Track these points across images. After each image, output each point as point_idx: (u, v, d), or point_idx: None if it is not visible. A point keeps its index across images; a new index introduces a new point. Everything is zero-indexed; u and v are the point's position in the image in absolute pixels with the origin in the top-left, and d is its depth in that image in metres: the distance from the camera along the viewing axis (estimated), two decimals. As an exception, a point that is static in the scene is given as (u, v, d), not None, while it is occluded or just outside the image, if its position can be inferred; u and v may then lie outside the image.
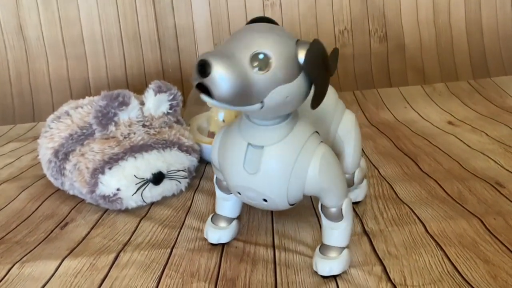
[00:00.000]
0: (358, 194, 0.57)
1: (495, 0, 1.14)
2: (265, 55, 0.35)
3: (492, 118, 0.89)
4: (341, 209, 0.43)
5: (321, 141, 0.43)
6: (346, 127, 0.50)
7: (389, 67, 1.13)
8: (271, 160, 0.40)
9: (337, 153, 0.50)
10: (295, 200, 0.43)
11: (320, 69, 0.37)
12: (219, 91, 0.34)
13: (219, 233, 0.50)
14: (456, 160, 0.70)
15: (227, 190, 0.49)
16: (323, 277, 0.44)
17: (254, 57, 0.35)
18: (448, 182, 0.62)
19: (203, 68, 0.33)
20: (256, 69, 0.35)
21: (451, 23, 1.14)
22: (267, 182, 0.41)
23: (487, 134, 0.80)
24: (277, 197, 0.42)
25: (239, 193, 0.44)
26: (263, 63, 0.35)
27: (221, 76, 0.34)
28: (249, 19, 0.41)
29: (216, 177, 0.50)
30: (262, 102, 0.36)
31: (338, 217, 0.43)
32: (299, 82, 0.37)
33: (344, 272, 0.44)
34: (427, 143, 0.79)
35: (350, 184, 0.53)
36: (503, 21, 1.15)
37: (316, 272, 0.44)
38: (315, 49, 0.37)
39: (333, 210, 0.43)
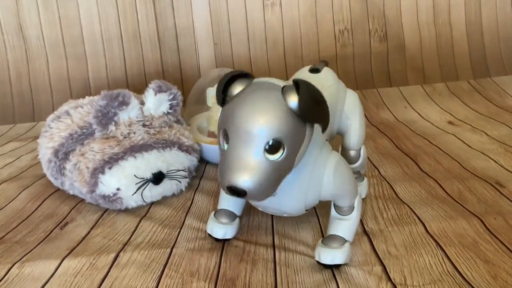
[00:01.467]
0: (360, 191, 0.57)
1: (495, 0, 1.14)
2: (275, 140, 0.35)
3: (492, 118, 0.89)
4: (353, 205, 0.46)
5: (332, 150, 0.45)
6: (351, 104, 0.52)
7: (389, 67, 1.13)
8: (288, 182, 0.40)
9: (344, 130, 0.53)
10: (311, 207, 0.46)
11: (315, 108, 0.36)
12: (261, 196, 0.37)
13: (224, 229, 0.50)
14: (456, 160, 0.70)
15: None
16: (325, 267, 0.44)
17: (269, 148, 0.35)
18: (448, 182, 0.62)
19: (236, 192, 0.35)
20: (276, 157, 0.36)
21: (451, 23, 1.14)
22: (286, 201, 0.43)
23: (487, 134, 0.80)
24: (295, 210, 0.45)
25: (260, 208, 0.47)
26: (278, 147, 0.36)
27: (256, 190, 0.35)
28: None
29: None
30: (291, 170, 0.38)
31: (349, 210, 0.46)
32: (309, 128, 0.38)
33: (344, 272, 0.44)
34: (427, 143, 0.79)
35: (355, 160, 0.54)
36: (503, 21, 1.15)
37: (316, 271, 0.44)
38: (304, 93, 0.35)
39: (345, 208, 0.46)
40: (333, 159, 0.43)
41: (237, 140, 0.36)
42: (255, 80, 0.38)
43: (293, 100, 0.36)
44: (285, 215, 0.47)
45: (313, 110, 0.36)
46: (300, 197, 0.43)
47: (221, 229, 0.50)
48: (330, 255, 0.44)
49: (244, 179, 0.35)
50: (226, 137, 0.37)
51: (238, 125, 0.35)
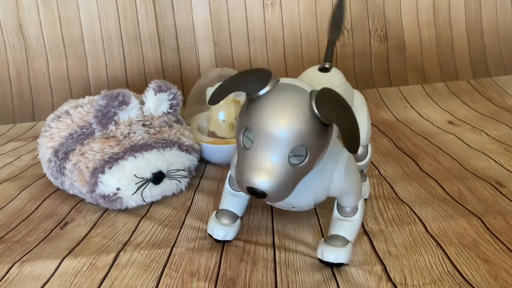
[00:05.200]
0: (364, 191, 0.57)
1: (495, 0, 1.14)
2: (300, 147, 0.35)
3: (492, 118, 0.89)
4: (357, 207, 0.46)
5: (343, 146, 0.44)
6: (358, 102, 0.54)
7: (389, 67, 1.13)
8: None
9: None
10: (320, 202, 0.46)
11: (340, 111, 0.36)
12: (279, 199, 0.37)
13: (225, 230, 0.50)
14: (456, 159, 0.70)
15: (238, 188, 0.51)
16: (327, 265, 0.44)
17: (292, 152, 0.35)
18: (448, 182, 0.62)
19: (256, 193, 0.36)
20: (298, 161, 0.36)
21: (451, 22, 1.14)
22: (297, 195, 0.43)
23: (487, 134, 0.80)
24: (304, 204, 0.45)
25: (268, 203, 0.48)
26: (301, 155, 0.36)
27: (275, 193, 0.36)
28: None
29: (230, 175, 0.51)
30: (311, 170, 0.38)
31: (352, 212, 0.46)
32: (330, 133, 0.38)
33: (344, 271, 0.44)
34: (427, 142, 0.79)
35: (363, 157, 0.55)
36: (503, 21, 1.15)
37: (316, 271, 0.44)
38: (323, 98, 0.35)
39: (349, 209, 0.46)
40: (344, 156, 0.43)
41: (263, 141, 0.35)
42: (282, 81, 0.38)
43: (319, 107, 0.35)
44: (293, 209, 0.47)
45: (339, 116, 0.35)
46: (310, 192, 0.43)
47: (222, 230, 0.50)
48: (333, 253, 0.44)
49: (266, 182, 0.35)
50: (249, 136, 0.37)
51: (265, 127, 0.35)
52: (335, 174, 0.43)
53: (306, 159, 0.36)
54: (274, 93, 0.37)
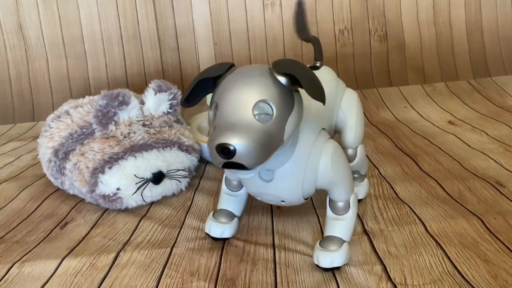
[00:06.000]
0: (359, 191, 0.57)
1: (495, 0, 1.14)
2: (263, 102, 0.36)
3: (492, 118, 0.89)
4: (349, 202, 0.46)
5: (329, 138, 0.45)
6: (348, 102, 0.53)
7: (389, 67, 1.13)
8: (284, 168, 0.42)
9: (341, 128, 0.53)
10: (309, 195, 0.46)
11: (292, 65, 0.38)
12: (252, 161, 0.35)
13: (222, 227, 0.50)
14: (456, 159, 0.70)
15: (235, 188, 0.51)
16: (325, 269, 0.44)
17: (256, 109, 0.36)
18: (448, 182, 0.62)
19: (226, 151, 0.35)
20: (265, 120, 0.36)
21: (451, 22, 1.14)
22: (283, 187, 0.44)
23: (487, 134, 0.80)
24: (293, 197, 0.45)
25: (258, 197, 0.47)
26: (266, 110, 0.36)
27: (247, 150, 0.35)
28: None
29: (226, 176, 0.52)
30: (283, 141, 0.38)
31: (345, 209, 0.46)
32: (297, 100, 0.39)
33: (344, 271, 0.44)
34: (427, 142, 0.79)
35: (351, 159, 0.54)
36: (503, 21, 1.15)
37: (316, 271, 0.44)
38: (279, 60, 0.38)
39: (341, 204, 0.46)
40: (329, 147, 0.44)
41: (227, 106, 0.37)
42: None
43: (280, 72, 0.37)
44: (283, 203, 0.47)
45: (295, 68, 0.37)
46: (297, 184, 0.43)
47: (219, 228, 0.50)
48: (328, 258, 0.44)
49: (234, 138, 0.35)
50: (215, 109, 0.38)
51: (227, 93, 0.37)
52: (321, 165, 0.43)
53: (273, 118, 0.36)
54: (237, 71, 0.39)
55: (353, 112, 0.53)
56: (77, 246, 0.52)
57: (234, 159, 0.35)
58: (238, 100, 0.36)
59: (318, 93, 0.36)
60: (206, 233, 0.51)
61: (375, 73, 1.13)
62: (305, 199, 0.46)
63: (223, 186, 0.52)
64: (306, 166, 0.43)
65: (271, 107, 0.36)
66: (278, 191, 0.44)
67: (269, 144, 0.37)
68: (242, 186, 0.51)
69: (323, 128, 0.46)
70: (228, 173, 0.51)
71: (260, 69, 0.38)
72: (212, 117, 0.38)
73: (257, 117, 0.36)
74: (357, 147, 0.54)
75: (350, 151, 0.54)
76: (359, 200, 0.57)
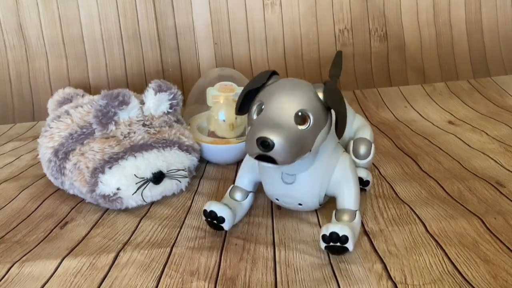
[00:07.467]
0: (367, 174, 0.59)
1: (495, 0, 1.14)
2: (303, 112, 0.42)
3: (492, 118, 0.89)
4: (355, 213, 0.49)
5: (344, 151, 0.52)
6: (361, 122, 0.61)
7: (389, 67, 1.13)
8: (305, 175, 0.48)
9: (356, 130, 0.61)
10: (323, 200, 0.52)
11: (339, 100, 0.44)
12: (283, 158, 0.41)
13: (224, 209, 0.51)
14: (456, 159, 0.70)
15: (240, 197, 0.55)
16: (332, 240, 0.44)
17: (296, 117, 0.42)
18: (448, 182, 0.62)
19: (266, 144, 0.40)
20: (301, 126, 0.42)
21: (451, 22, 1.14)
22: (302, 190, 0.50)
23: (487, 134, 0.80)
24: (310, 201, 0.51)
25: (277, 199, 0.52)
26: (305, 119, 0.42)
27: (282, 148, 0.40)
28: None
29: (232, 187, 0.55)
30: (310, 150, 0.44)
31: (351, 219, 0.48)
32: (330, 119, 0.45)
33: (345, 270, 0.44)
34: (427, 142, 0.79)
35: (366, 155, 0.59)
36: (503, 21, 1.15)
37: (316, 270, 0.44)
38: (330, 86, 0.44)
39: (347, 213, 0.48)
40: (344, 156, 0.51)
41: (272, 107, 0.42)
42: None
43: (320, 91, 0.44)
44: (300, 206, 0.51)
45: (334, 98, 0.43)
46: (314, 189, 0.49)
47: (221, 206, 0.50)
48: (338, 226, 0.45)
49: (275, 134, 0.40)
50: (259, 108, 0.44)
51: (274, 96, 0.43)
52: (336, 169, 0.49)
53: (309, 126, 0.42)
54: (283, 80, 0.46)
55: (367, 130, 0.60)
56: (77, 246, 0.52)
57: (270, 153, 0.40)
58: (284, 104, 0.42)
59: (342, 132, 0.43)
60: (204, 212, 0.51)
61: (375, 73, 1.13)
62: (320, 205, 0.52)
63: (227, 195, 0.55)
64: (323, 174, 0.49)
65: (309, 117, 0.42)
66: (298, 194, 0.50)
67: (300, 149, 0.42)
68: (246, 197, 0.54)
69: (338, 142, 0.51)
70: (245, 171, 0.55)
71: (306, 84, 0.45)
72: (254, 112, 0.44)
73: (296, 123, 0.42)
74: (371, 142, 0.59)
75: (364, 149, 0.58)
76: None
